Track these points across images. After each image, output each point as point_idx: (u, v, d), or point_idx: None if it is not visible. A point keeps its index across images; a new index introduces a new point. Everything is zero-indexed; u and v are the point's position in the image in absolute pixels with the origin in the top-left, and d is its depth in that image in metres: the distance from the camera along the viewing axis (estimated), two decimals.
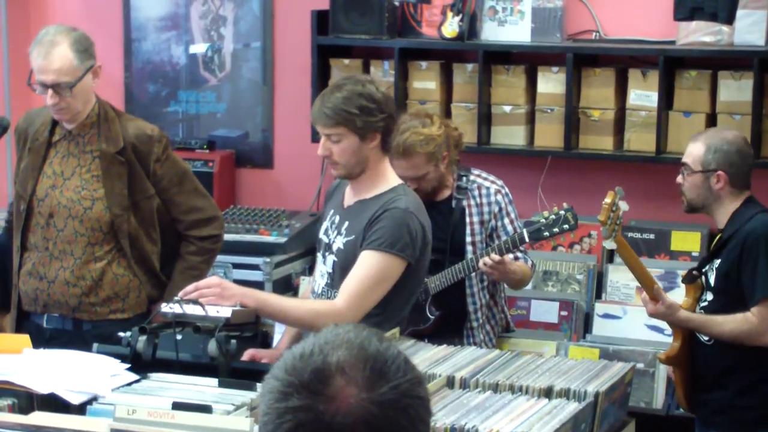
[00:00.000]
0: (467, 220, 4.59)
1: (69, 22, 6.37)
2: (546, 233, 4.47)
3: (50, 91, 4.12)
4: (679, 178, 4.28)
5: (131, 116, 4.48)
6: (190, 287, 3.63)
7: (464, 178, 4.63)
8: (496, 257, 4.41)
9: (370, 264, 3.69)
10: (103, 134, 4.24)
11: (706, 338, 4.23)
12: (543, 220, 4.48)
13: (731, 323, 4.11)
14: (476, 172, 4.70)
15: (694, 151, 4.23)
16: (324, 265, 3.89)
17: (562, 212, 4.48)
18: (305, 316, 3.71)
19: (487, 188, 4.62)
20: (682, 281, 4.32)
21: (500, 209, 4.60)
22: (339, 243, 3.83)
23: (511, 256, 4.55)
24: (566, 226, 4.47)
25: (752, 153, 4.32)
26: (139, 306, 4.31)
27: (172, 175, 4.32)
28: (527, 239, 4.47)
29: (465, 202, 4.60)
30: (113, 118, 4.28)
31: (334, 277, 3.83)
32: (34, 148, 4.32)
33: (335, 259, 3.84)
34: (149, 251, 4.31)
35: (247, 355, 3.94)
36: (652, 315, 4.26)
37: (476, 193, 4.61)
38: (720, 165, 4.18)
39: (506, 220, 4.61)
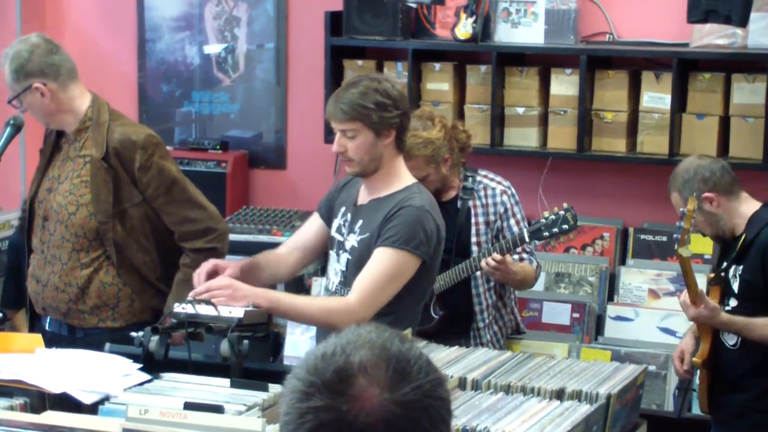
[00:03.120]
0: (473, 220, 4.60)
1: (83, 23, 6.43)
2: (546, 233, 4.47)
3: None
4: (690, 229, 4.28)
5: (125, 120, 4.34)
6: (201, 288, 3.62)
7: (470, 179, 4.63)
8: (498, 257, 4.41)
9: (384, 261, 3.69)
10: (93, 139, 4.19)
11: (731, 343, 4.22)
12: (543, 220, 4.49)
13: None
14: (483, 172, 4.70)
15: (676, 201, 4.26)
16: (338, 263, 3.90)
17: (561, 212, 4.49)
18: (318, 313, 3.71)
19: (493, 189, 4.63)
20: (709, 283, 4.30)
21: (506, 210, 4.61)
22: (352, 241, 3.83)
23: (516, 257, 4.55)
24: (565, 226, 4.47)
25: (714, 158, 4.36)
26: (134, 315, 4.22)
27: (159, 184, 4.18)
28: (527, 239, 4.48)
29: (471, 203, 4.60)
30: (104, 121, 4.20)
31: (347, 275, 3.83)
32: (43, 150, 4.32)
33: (349, 257, 3.84)
34: (140, 260, 4.22)
35: (210, 264, 3.80)
36: (693, 318, 4.22)
37: (482, 193, 4.62)
38: (699, 190, 4.18)
39: (512, 221, 4.61)
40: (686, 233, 4.09)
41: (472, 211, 4.60)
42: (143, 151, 4.17)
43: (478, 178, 4.65)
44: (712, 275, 4.31)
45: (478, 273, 4.58)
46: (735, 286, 4.20)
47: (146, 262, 4.25)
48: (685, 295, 4.18)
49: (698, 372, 4.35)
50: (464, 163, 4.68)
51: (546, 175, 5.71)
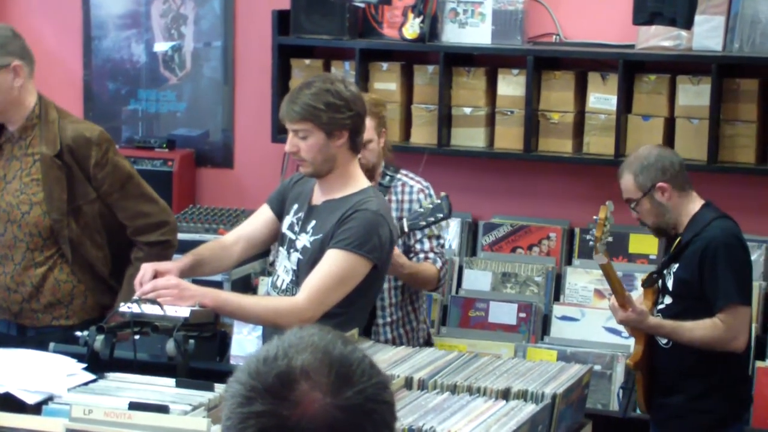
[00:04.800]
0: None
1: (28, 19, 6.37)
2: (422, 223, 4.46)
3: None
4: (634, 215, 4.32)
5: (74, 118, 4.33)
6: (147, 287, 3.60)
7: (388, 177, 4.62)
8: None
9: (335, 263, 3.69)
10: (43, 136, 4.15)
11: (664, 341, 4.26)
12: (421, 210, 4.48)
13: (701, 329, 4.13)
14: (404, 172, 4.69)
15: (627, 185, 4.28)
16: (288, 261, 3.89)
17: (438, 201, 4.48)
18: (265, 313, 3.71)
19: (411, 186, 4.61)
20: (642, 285, 4.34)
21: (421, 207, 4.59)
22: (304, 241, 3.83)
23: (422, 256, 4.51)
24: (440, 215, 4.45)
25: (673, 150, 4.36)
26: (86, 312, 4.20)
27: (114, 180, 4.18)
28: (406, 229, 4.47)
29: (386, 198, 4.58)
30: (53, 119, 4.17)
31: (299, 274, 3.83)
32: None
33: (300, 256, 3.83)
34: (93, 257, 4.21)
35: (150, 269, 3.72)
36: (622, 322, 4.26)
37: (399, 189, 4.60)
38: (654, 178, 4.21)
39: None
40: (598, 241, 4.13)
41: None
42: (98, 147, 4.16)
43: (398, 176, 4.64)
44: (644, 277, 4.34)
45: None
46: (669, 284, 4.23)
47: (100, 258, 4.24)
48: (614, 299, 4.21)
49: (634, 373, 4.38)
50: (390, 149, 4.67)
51: (492, 176, 5.73)
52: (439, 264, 4.57)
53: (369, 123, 4.38)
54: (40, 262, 4.16)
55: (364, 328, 4.46)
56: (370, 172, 4.53)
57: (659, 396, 4.32)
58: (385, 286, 4.57)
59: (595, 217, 4.19)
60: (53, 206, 4.13)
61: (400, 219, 4.55)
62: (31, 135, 4.16)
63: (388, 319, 4.59)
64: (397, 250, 4.45)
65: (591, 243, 4.17)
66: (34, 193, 4.14)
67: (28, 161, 4.16)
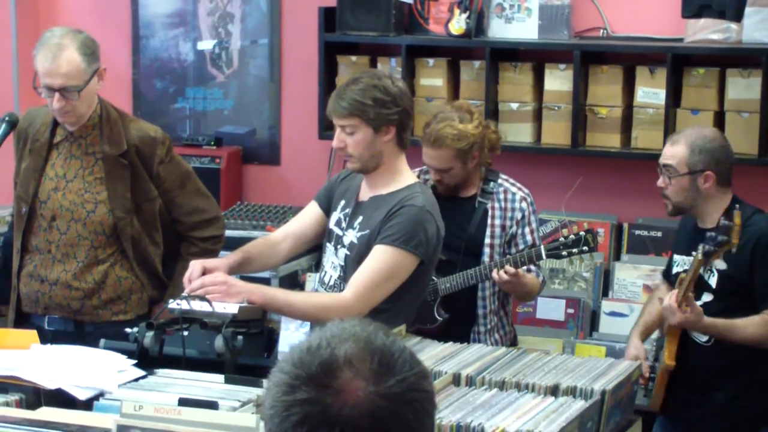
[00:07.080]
0: (489, 221, 4.52)
1: (78, 19, 6.41)
2: (564, 253, 4.41)
3: (57, 95, 4.07)
4: (661, 182, 4.21)
5: (134, 117, 4.45)
6: (196, 284, 3.62)
7: (491, 183, 4.57)
8: (511, 270, 4.33)
9: (382, 258, 3.69)
10: (105, 136, 4.21)
11: (704, 339, 4.19)
12: (562, 239, 4.42)
13: (752, 327, 4.07)
14: (504, 177, 4.62)
15: (678, 153, 4.17)
16: (335, 257, 3.90)
17: (582, 233, 4.42)
18: (313, 309, 3.71)
19: (513, 194, 4.56)
20: (679, 283, 4.26)
21: (523, 216, 4.52)
22: (351, 237, 3.83)
23: (524, 267, 4.46)
24: (586, 248, 4.42)
25: (731, 148, 4.28)
26: (141, 307, 4.30)
27: (175, 177, 4.30)
28: (544, 257, 4.42)
29: (489, 204, 4.54)
30: (115, 119, 4.25)
31: (346, 270, 3.84)
32: (35, 150, 4.28)
33: (347, 252, 3.84)
34: (152, 253, 4.31)
35: (199, 266, 3.74)
36: (679, 323, 4.10)
37: (501, 196, 4.54)
38: (707, 165, 4.14)
39: (527, 229, 4.53)
40: (733, 247, 4.01)
41: (489, 213, 4.53)
42: (162, 146, 4.28)
43: (500, 181, 4.59)
44: (684, 274, 4.21)
45: (486, 281, 4.52)
46: (712, 281, 4.16)
47: (157, 254, 4.34)
48: (669, 299, 4.09)
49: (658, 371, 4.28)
50: (490, 164, 4.62)
51: (540, 171, 5.70)
52: (541, 278, 4.55)
53: (444, 153, 4.37)
54: (102, 260, 4.24)
55: (462, 335, 4.45)
56: (460, 185, 4.52)
57: (694, 394, 4.23)
58: (487, 292, 4.55)
59: (729, 223, 4.04)
60: (117, 204, 4.20)
61: (503, 227, 4.50)
62: (91, 134, 4.23)
63: (489, 326, 4.57)
64: (522, 272, 4.40)
65: (720, 238, 4.00)
66: (98, 192, 4.21)
67: (89, 160, 4.22)
